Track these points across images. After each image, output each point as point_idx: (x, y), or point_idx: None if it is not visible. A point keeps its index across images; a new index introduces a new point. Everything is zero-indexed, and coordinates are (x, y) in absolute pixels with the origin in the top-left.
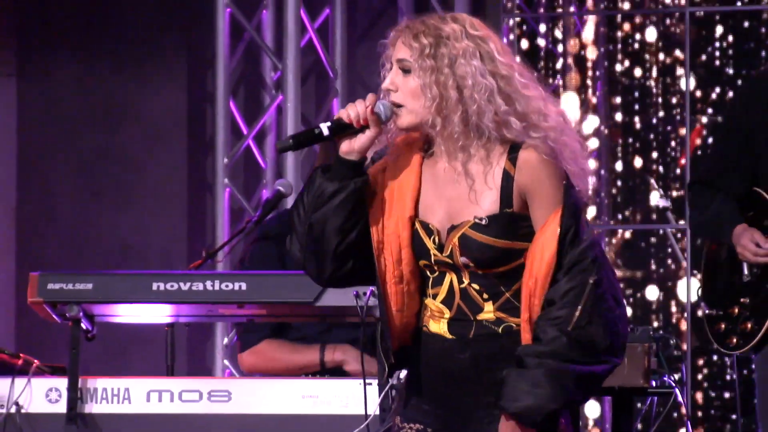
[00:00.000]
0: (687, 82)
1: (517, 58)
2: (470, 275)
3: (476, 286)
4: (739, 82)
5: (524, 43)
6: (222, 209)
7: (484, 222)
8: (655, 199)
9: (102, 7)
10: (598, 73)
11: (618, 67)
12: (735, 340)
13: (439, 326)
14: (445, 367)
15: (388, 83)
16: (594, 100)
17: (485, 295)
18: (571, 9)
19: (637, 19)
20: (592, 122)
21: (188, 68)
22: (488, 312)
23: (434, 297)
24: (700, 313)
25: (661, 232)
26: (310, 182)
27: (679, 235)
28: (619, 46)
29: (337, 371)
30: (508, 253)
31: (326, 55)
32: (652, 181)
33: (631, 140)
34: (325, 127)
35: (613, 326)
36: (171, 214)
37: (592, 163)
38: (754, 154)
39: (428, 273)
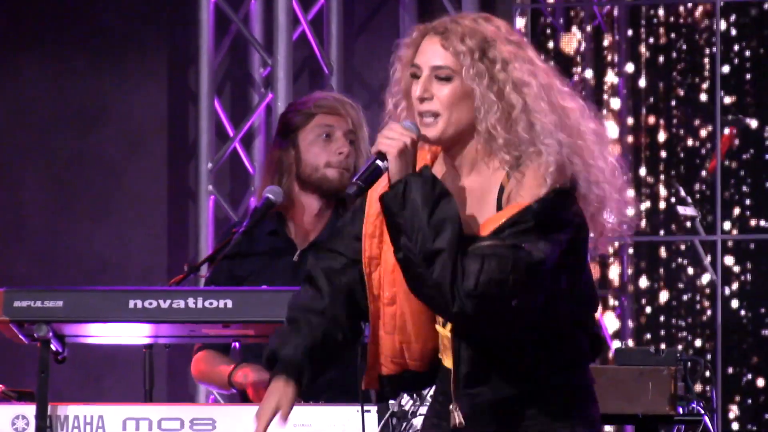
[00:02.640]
0: (717, 80)
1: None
2: None
3: None
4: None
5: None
6: (206, 219)
7: None
8: (681, 207)
9: (77, 2)
10: (618, 70)
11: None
12: None
13: (450, 360)
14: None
15: (421, 91)
16: (614, 102)
17: None
18: None
19: (661, 11)
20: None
21: (169, 64)
22: None
23: (444, 324)
24: None
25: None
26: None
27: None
28: (642, 37)
29: (335, 396)
30: None
31: (320, 49)
32: (680, 188)
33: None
34: (380, 162)
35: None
36: (150, 225)
37: None
38: None
39: None
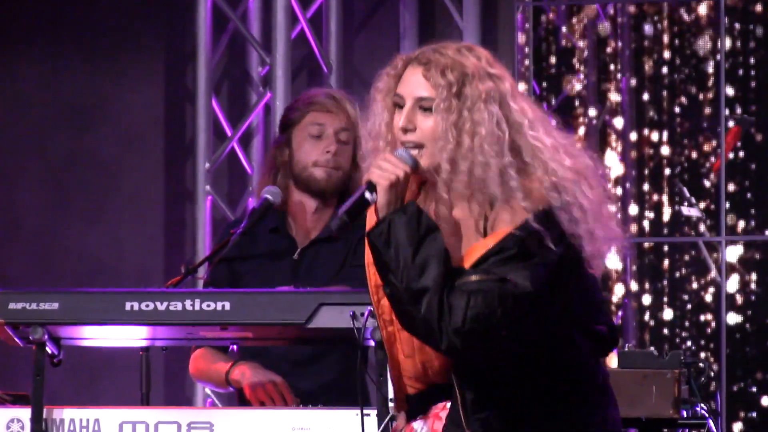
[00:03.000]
0: (721, 78)
1: (531, 98)
2: None
3: None
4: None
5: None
6: (203, 220)
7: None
8: (685, 208)
9: None
10: (620, 66)
11: (645, 61)
12: None
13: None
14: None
15: (405, 122)
16: (617, 97)
17: None
18: None
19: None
20: (617, 123)
21: (166, 63)
22: None
23: None
24: None
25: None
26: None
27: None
28: (647, 34)
29: (332, 399)
30: None
31: (319, 47)
32: (684, 189)
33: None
34: (368, 194)
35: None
36: (147, 226)
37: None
38: None
39: None
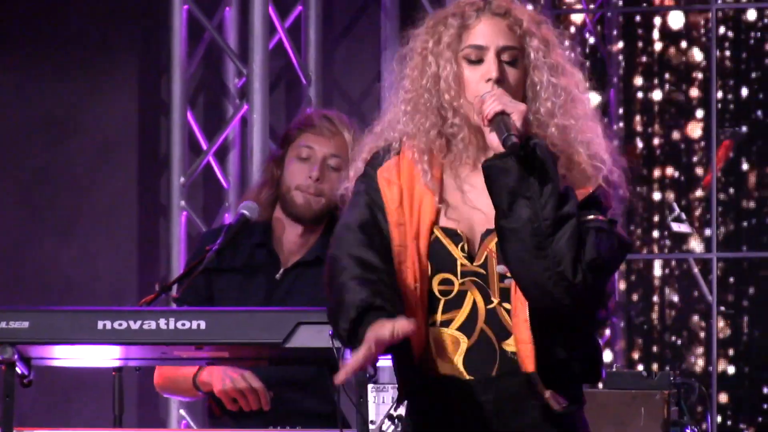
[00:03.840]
0: (712, 89)
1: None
2: (501, 292)
3: (508, 306)
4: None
5: None
6: (178, 236)
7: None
8: (675, 224)
9: (43, 4)
10: (609, 80)
11: (633, 74)
12: None
13: (452, 365)
14: (461, 414)
15: (498, 73)
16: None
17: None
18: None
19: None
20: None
21: (140, 74)
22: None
23: (447, 324)
24: None
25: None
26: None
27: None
28: (639, 46)
29: (311, 424)
30: None
31: (298, 58)
32: (674, 205)
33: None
34: (503, 128)
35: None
36: (120, 242)
37: None
38: None
39: (440, 296)
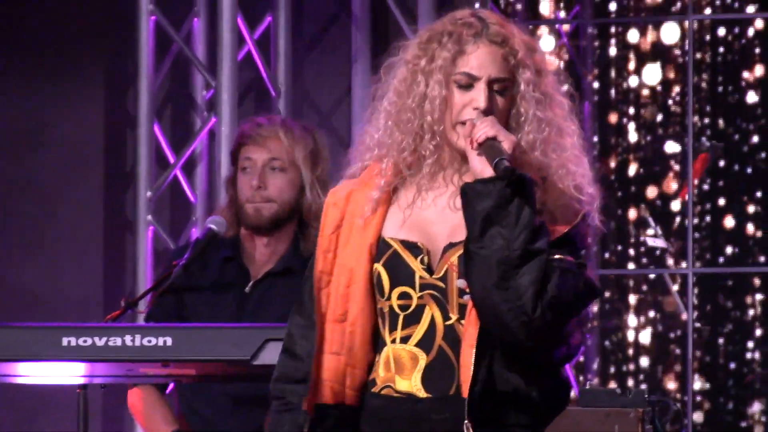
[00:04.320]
0: (689, 103)
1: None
2: (459, 308)
3: (465, 322)
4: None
5: None
6: (144, 251)
7: None
8: (650, 239)
9: (8, 15)
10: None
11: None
12: None
13: (409, 382)
14: None
15: (486, 103)
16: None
17: None
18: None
19: (632, 34)
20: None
21: (106, 86)
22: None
23: (405, 341)
24: None
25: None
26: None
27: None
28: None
29: None
30: None
31: (267, 70)
32: (649, 218)
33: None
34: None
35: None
36: (85, 257)
37: None
38: None
39: (398, 310)
